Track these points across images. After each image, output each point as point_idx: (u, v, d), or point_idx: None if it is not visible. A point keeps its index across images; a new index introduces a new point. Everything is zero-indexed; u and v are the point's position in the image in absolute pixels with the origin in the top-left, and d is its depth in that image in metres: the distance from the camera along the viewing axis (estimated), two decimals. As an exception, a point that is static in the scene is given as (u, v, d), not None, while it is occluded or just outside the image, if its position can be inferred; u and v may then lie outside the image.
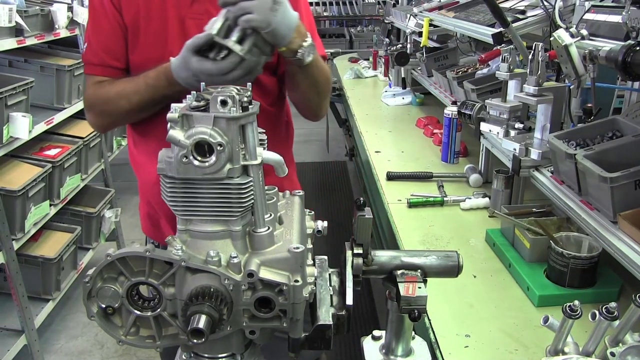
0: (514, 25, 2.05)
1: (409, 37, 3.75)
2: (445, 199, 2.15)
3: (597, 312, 1.01)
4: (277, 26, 1.20)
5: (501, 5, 2.13)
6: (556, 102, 1.75)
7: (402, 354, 1.12)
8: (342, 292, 0.98)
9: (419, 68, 3.69)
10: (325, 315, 0.92)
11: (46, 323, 3.10)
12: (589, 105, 1.74)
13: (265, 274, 0.86)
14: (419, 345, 1.16)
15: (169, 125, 0.83)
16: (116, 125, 1.73)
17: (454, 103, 2.60)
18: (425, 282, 1.01)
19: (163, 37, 1.45)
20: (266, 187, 0.97)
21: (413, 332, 1.14)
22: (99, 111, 1.55)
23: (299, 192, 1.14)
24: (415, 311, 0.97)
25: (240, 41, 1.17)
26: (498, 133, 1.93)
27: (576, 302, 1.03)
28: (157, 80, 1.36)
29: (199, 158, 0.83)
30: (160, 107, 1.41)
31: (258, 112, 0.88)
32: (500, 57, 1.94)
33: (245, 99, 0.86)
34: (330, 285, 1.00)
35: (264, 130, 0.98)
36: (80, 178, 3.30)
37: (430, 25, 3.18)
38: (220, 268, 0.85)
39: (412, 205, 2.14)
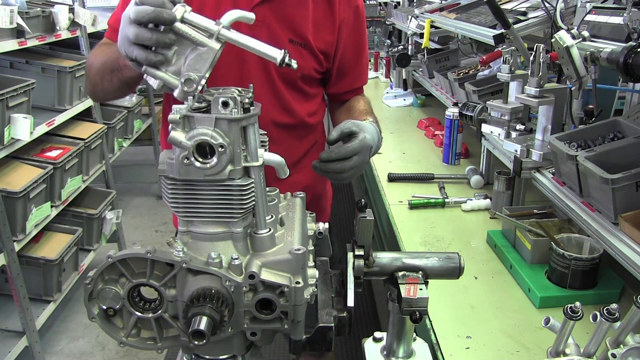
0: (515, 26, 2.05)
1: (410, 38, 3.75)
2: (446, 200, 2.15)
3: (598, 314, 1.01)
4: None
5: (502, 6, 2.13)
6: (557, 104, 1.75)
7: (403, 356, 1.12)
8: (343, 294, 0.98)
9: (420, 69, 3.69)
10: (327, 316, 0.92)
11: (47, 324, 3.11)
12: (590, 106, 1.73)
13: (267, 275, 0.86)
14: (420, 346, 1.16)
15: (170, 126, 0.83)
16: (97, 94, 1.45)
17: (455, 104, 2.60)
18: (426, 283, 1.01)
19: None
20: (267, 189, 0.97)
21: (414, 334, 1.15)
22: (86, 73, 1.45)
23: (300, 194, 1.14)
24: (417, 313, 0.97)
25: None
26: (499, 134, 1.93)
27: (577, 304, 1.03)
28: (114, 60, 1.25)
29: (200, 159, 0.83)
30: (123, 82, 1.30)
31: (259, 113, 0.88)
32: (502, 59, 1.94)
33: (247, 100, 0.86)
34: (332, 286, 1.00)
35: (265, 132, 0.98)
36: (81, 179, 3.30)
37: (432, 26, 3.18)
38: (221, 270, 0.85)
39: (413, 206, 2.14)
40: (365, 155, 1.28)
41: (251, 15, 0.96)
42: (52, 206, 2.91)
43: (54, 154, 3.03)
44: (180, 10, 0.94)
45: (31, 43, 2.82)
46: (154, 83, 0.97)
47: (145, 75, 0.97)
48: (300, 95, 1.56)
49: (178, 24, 0.93)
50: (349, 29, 1.56)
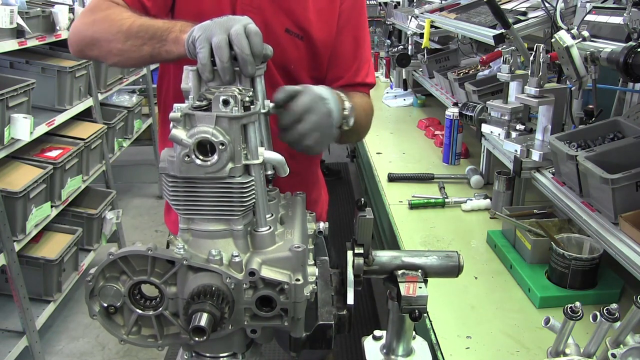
0: (515, 26, 2.05)
1: (410, 38, 3.75)
2: (446, 200, 2.15)
3: (598, 314, 1.01)
4: (335, 126, 1.16)
5: (502, 6, 2.13)
6: (557, 104, 1.75)
7: (402, 354, 1.12)
8: (343, 292, 0.98)
9: (420, 69, 3.70)
10: (327, 314, 0.92)
11: (47, 324, 3.10)
12: (590, 106, 1.74)
13: (267, 272, 0.86)
14: (419, 345, 1.16)
15: (171, 124, 0.83)
16: (100, 48, 1.30)
17: (455, 104, 2.61)
18: (426, 282, 1.02)
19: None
20: (267, 188, 0.97)
21: (414, 332, 1.15)
22: (91, 21, 1.30)
23: (300, 194, 1.15)
24: (416, 311, 0.97)
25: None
26: (499, 134, 1.93)
27: (577, 304, 1.03)
28: (164, 30, 1.17)
29: (201, 157, 0.83)
30: (152, 55, 1.21)
31: (259, 112, 0.88)
32: (502, 59, 1.95)
33: (247, 98, 0.86)
34: (332, 285, 1.00)
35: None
36: (81, 179, 3.30)
37: (432, 26, 3.19)
38: (221, 267, 0.85)
39: (413, 206, 2.14)
40: (321, 109, 1.12)
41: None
42: (52, 206, 2.91)
43: (54, 154, 3.03)
44: (259, 72, 1.02)
45: (31, 43, 2.82)
46: (184, 81, 0.99)
47: (184, 69, 1.00)
48: None
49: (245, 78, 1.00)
50: (346, 17, 1.48)
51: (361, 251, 1.01)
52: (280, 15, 1.39)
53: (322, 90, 1.15)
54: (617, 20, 1.54)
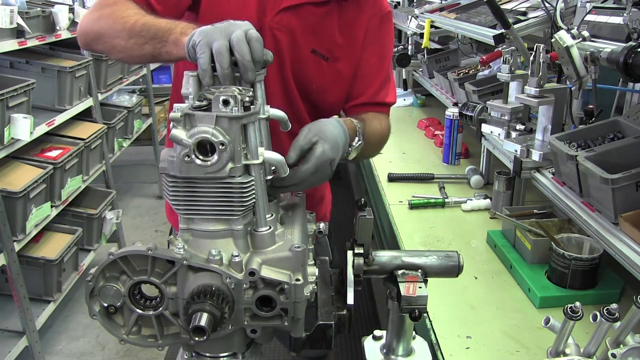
0: (515, 26, 2.05)
1: (410, 38, 3.75)
2: (446, 200, 2.15)
3: (598, 314, 1.01)
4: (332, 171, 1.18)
5: (502, 6, 2.13)
6: (557, 104, 1.75)
7: (402, 354, 1.12)
8: (343, 292, 0.98)
9: (420, 69, 3.70)
10: (327, 314, 0.92)
11: (47, 324, 3.10)
12: (590, 106, 1.74)
13: (267, 272, 0.86)
14: (419, 345, 1.16)
15: (171, 124, 0.83)
16: (104, 44, 1.31)
17: (455, 104, 2.61)
18: (425, 282, 1.02)
19: None
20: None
21: (414, 332, 1.15)
22: (98, 16, 1.31)
23: (300, 194, 1.15)
24: (416, 311, 0.97)
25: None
26: (499, 134, 1.93)
27: (577, 304, 1.03)
28: (165, 30, 1.16)
29: (201, 157, 0.83)
30: (154, 55, 1.21)
31: (259, 112, 0.88)
32: (502, 59, 1.95)
33: (247, 98, 0.86)
34: (332, 285, 1.00)
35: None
36: (81, 179, 3.29)
37: (432, 26, 3.18)
38: (221, 267, 0.85)
39: (413, 206, 2.14)
40: (326, 170, 1.14)
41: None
42: (52, 206, 2.91)
43: (54, 154, 3.03)
44: (259, 77, 1.02)
45: (31, 43, 2.82)
46: (184, 86, 0.98)
47: (184, 75, 0.98)
48: (313, 110, 1.48)
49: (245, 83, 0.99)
50: (373, 34, 1.48)
51: (361, 251, 1.01)
52: (309, 35, 1.39)
53: (333, 132, 1.17)
54: (617, 20, 1.54)
